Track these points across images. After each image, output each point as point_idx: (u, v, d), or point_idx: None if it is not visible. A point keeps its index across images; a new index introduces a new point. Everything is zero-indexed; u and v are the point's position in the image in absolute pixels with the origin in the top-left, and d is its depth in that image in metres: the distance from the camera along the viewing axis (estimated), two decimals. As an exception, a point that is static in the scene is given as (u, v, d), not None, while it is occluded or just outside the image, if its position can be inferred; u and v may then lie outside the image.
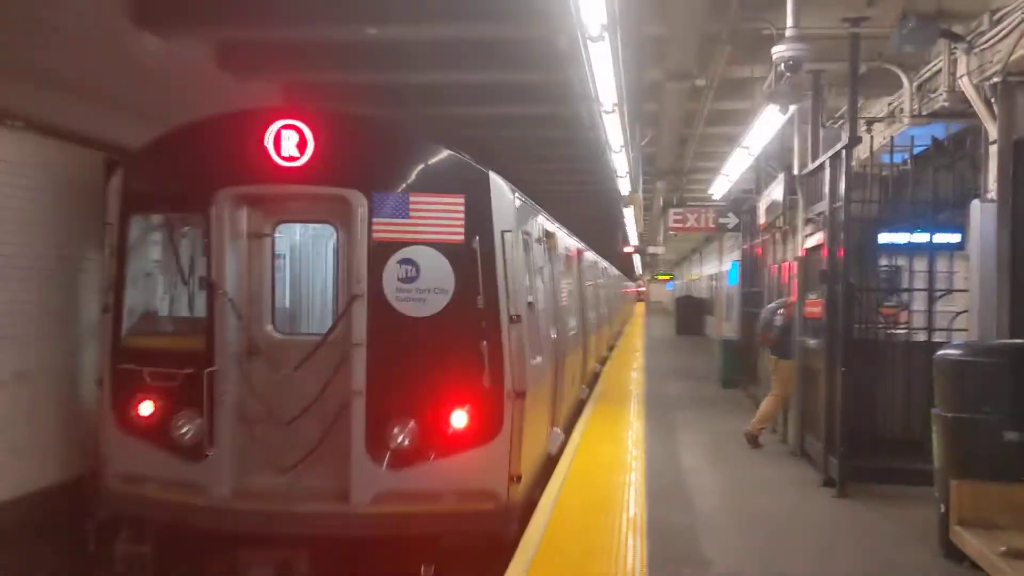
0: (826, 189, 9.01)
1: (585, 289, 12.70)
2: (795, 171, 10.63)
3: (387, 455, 5.83)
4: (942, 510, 6.22)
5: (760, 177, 15.59)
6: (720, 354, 17.79)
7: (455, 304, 6.02)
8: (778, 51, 8.11)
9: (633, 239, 27.53)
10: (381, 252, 5.99)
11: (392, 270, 5.97)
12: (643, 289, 75.65)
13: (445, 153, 6.25)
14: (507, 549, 5.85)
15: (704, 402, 15.33)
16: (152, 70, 8.40)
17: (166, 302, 6.73)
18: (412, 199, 6.04)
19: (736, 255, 27.86)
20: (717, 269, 33.97)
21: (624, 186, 13.73)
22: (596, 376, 15.50)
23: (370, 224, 5.98)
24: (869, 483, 8.39)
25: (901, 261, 10.01)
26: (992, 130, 7.57)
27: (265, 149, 6.00)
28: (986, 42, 7.64)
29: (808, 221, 9.93)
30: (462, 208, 6.04)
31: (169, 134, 6.52)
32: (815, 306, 9.32)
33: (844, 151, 8.47)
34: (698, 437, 11.42)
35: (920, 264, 9.48)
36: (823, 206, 9.15)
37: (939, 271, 9.64)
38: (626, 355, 25.15)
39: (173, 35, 8.49)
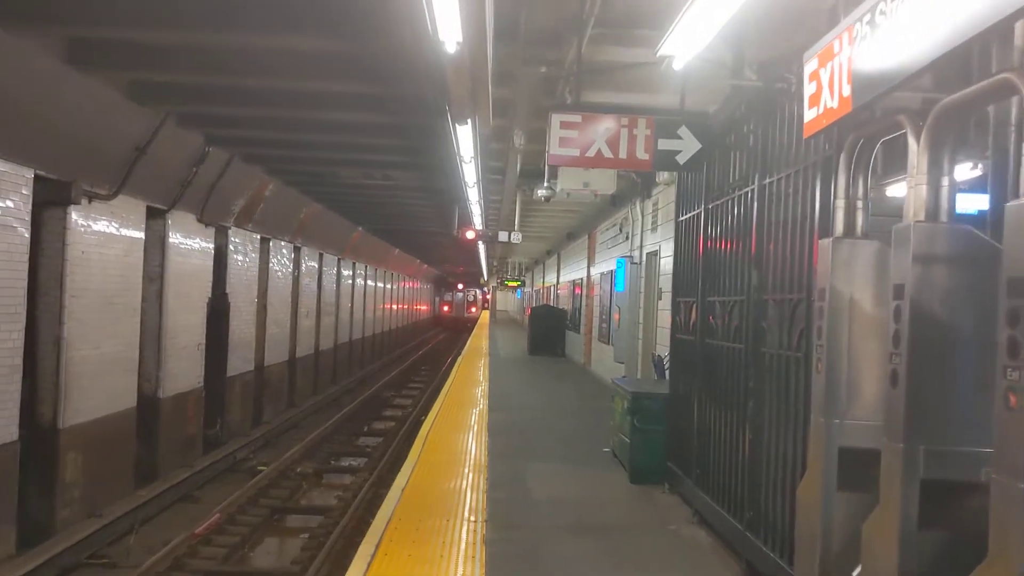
0: None
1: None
2: None
3: (470, 311, 72.47)
4: None
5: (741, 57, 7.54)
6: (623, 417, 9.60)
7: (475, 302, 73.95)
8: None
9: (479, 218, 18.46)
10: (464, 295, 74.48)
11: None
12: (488, 296, 73.28)
13: (475, 287, 72.31)
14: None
15: (613, 542, 7.11)
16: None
17: None
18: (479, 289, 73.01)
19: (620, 251, 19.62)
20: (585, 274, 26.09)
21: (449, 29, 5.14)
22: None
23: (457, 291, 73.81)
24: None
25: None
26: None
27: (455, 285, 72.07)
28: None
29: None
30: (481, 293, 73.71)
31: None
32: None
33: None
34: None
35: None
36: None
37: None
38: (463, 391, 16.75)
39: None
